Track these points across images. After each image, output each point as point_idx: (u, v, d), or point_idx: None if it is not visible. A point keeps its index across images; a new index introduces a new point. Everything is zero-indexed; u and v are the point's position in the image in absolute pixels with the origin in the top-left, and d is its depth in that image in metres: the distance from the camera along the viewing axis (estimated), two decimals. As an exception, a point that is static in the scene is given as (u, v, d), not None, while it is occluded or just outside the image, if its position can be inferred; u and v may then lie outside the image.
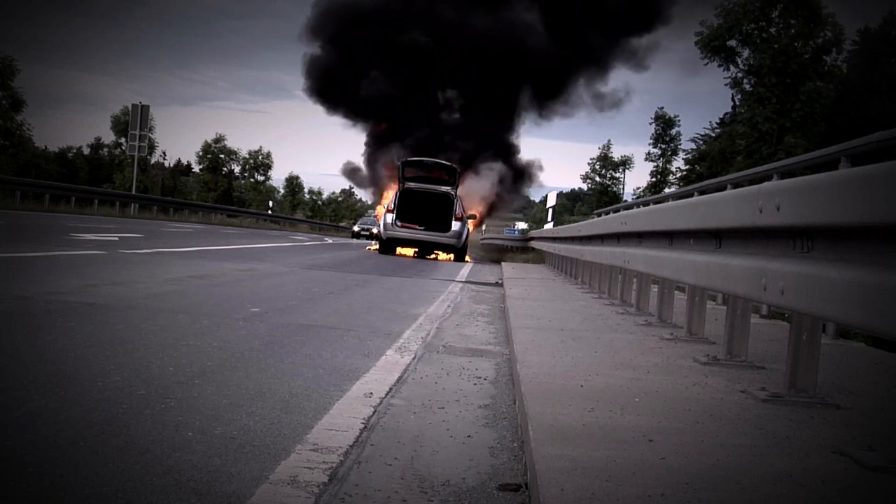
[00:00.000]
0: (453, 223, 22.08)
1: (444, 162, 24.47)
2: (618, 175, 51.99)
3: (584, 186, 56.61)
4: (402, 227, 22.02)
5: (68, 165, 61.95)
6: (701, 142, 45.20)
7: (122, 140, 59.60)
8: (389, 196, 25.80)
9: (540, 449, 2.59)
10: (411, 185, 22.85)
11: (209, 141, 68.58)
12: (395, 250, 22.53)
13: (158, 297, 6.45)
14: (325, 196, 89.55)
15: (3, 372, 3.38)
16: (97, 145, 67.66)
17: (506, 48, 32.19)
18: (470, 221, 25.09)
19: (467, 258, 23.46)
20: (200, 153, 68.34)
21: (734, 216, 3.88)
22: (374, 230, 32.90)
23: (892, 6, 40.74)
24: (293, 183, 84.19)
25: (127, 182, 50.74)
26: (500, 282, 12.83)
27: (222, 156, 68.74)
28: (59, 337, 4.27)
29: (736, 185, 7.40)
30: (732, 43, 37.00)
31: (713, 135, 44.34)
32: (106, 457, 2.44)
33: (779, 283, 3.19)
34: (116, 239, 13.81)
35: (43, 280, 6.75)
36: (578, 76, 34.80)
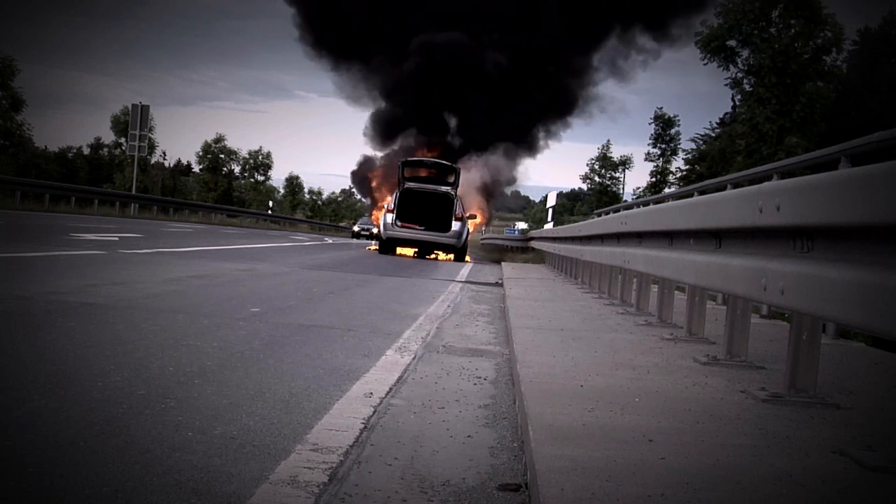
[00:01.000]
0: (453, 223, 22.07)
1: (444, 162, 24.48)
2: (617, 175, 52.04)
3: (584, 186, 56.70)
4: (403, 227, 22.00)
5: (68, 165, 61.91)
6: (701, 142, 45.14)
7: (122, 140, 59.60)
8: (388, 199, 25.84)
9: (540, 449, 2.59)
10: (411, 185, 22.85)
11: (209, 141, 68.77)
12: (395, 250, 22.51)
13: (158, 297, 6.45)
14: (325, 196, 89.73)
15: (3, 372, 3.38)
16: (97, 145, 67.70)
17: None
18: (470, 222, 25.09)
19: (467, 258, 23.46)
20: (200, 153, 68.47)
21: (734, 216, 3.88)
22: (374, 230, 32.92)
23: (892, 6, 40.69)
24: (293, 183, 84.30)
25: (127, 182, 50.74)
26: (500, 282, 12.82)
27: (222, 156, 68.80)
28: (59, 337, 4.27)
29: (736, 185, 7.39)
30: (732, 43, 37.01)
31: (713, 135, 44.29)
32: (106, 457, 2.44)
33: (779, 283, 3.19)
34: (116, 239, 13.81)
35: (43, 280, 6.75)
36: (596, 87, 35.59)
